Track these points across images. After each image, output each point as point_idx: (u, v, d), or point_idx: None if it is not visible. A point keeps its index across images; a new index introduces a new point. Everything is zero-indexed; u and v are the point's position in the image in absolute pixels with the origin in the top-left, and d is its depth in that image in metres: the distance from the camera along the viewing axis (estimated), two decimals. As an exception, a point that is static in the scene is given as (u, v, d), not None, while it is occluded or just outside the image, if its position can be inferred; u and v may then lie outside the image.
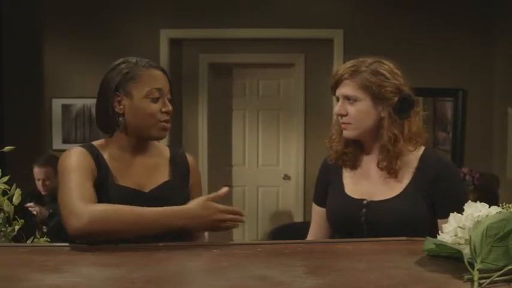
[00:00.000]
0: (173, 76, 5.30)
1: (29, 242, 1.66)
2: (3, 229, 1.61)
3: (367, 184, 1.82)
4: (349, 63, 1.80)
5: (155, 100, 1.69)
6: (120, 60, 1.74)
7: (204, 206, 1.54)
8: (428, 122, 5.26)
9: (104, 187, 1.66)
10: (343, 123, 1.79)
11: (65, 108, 4.97)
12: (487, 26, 4.84)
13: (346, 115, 1.77)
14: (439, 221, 1.72)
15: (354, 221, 1.77)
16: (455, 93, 4.90)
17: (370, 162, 1.83)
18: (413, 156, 1.79)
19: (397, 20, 4.88)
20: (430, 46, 4.84)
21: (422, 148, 1.81)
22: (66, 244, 1.46)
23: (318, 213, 1.95)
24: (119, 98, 1.70)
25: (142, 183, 1.73)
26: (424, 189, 1.75)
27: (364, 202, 1.78)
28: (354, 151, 1.84)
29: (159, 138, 1.76)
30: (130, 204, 1.51)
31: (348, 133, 1.79)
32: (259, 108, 5.23)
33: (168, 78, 1.74)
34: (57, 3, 4.94)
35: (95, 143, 1.76)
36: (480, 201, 1.27)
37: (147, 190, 1.73)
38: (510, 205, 1.21)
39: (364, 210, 1.77)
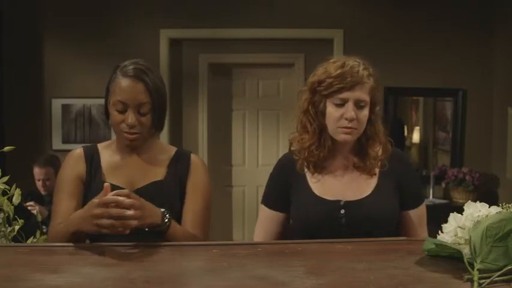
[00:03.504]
0: (173, 76, 5.33)
1: (29, 242, 1.66)
2: (3, 229, 1.61)
3: (336, 184, 1.79)
4: (361, 64, 1.74)
5: (120, 111, 1.68)
6: (124, 62, 1.75)
7: (88, 205, 1.49)
8: (429, 122, 5.27)
9: (93, 185, 1.72)
10: (350, 127, 1.71)
11: (65, 108, 4.97)
12: (487, 26, 4.84)
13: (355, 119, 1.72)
14: (411, 212, 1.80)
15: (333, 223, 1.73)
16: (455, 93, 4.90)
17: (336, 162, 1.81)
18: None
19: (397, 20, 4.87)
20: (430, 46, 4.84)
21: None
22: (66, 244, 1.46)
23: (269, 217, 1.85)
24: (109, 99, 1.74)
25: (133, 181, 1.74)
26: (392, 184, 1.78)
27: (341, 203, 1.75)
28: (326, 153, 1.80)
29: (128, 146, 1.75)
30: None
31: (350, 137, 1.74)
32: (259, 108, 5.23)
33: (148, 90, 1.68)
34: (57, 3, 4.93)
35: (102, 143, 1.83)
36: (480, 201, 1.27)
37: (135, 189, 1.73)
38: (510, 205, 1.21)
39: (342, 211, 1.74)
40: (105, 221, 1.41)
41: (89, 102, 4.89)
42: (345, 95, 1.71)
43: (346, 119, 1.71)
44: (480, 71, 4.87)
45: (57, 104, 4.96)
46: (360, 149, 1.80)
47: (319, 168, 1.80)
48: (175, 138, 4.89)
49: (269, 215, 1.86)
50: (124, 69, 1.70)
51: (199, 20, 4.88)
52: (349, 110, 1.70)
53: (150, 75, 1.70)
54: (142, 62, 1.74)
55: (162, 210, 1.57)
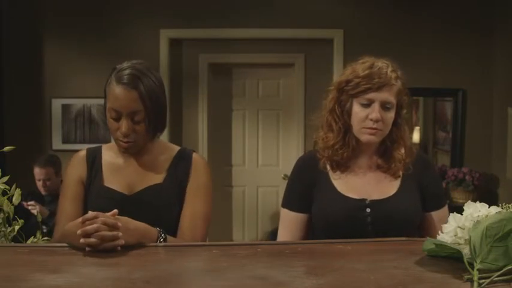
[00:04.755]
0: (173, 76, 5.33)
1: (29, 242, 1.66)
2: (3, 229, 1.61)
3: (360, 184, 1.79)
4: (389, 66, 1.76)
5: (114, 118, 1.66)
6: (121, 64, 1.71)
7: (76, 221, 1.45)
8: (428, 122, 5.27)
9: (92, 188, 1.73)
10: (375, 128, 1.73)
11: (65, 108, 4.97)
12: (487, 26, 4.84)
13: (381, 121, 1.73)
14: (433, 213, 1.81)
15: (358, 222, 1.74)
16: (455, 93, 4.90)
17: (359, 162, 1.82)
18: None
19: (397, 20, 4.87)
20: (430, 46, 4.84)
21: None
22: (66, 244, 1.46)
23: (293, 220, 1.84)
24: (106, 103, 1.72)
25: (132, 185, 1.73)
26: (415, 186, 1.80)
27: (367, 202, 1.76)
28: (350, 153, 1.81)
29: (124, 152, 1.74)
30: (115, 206, 1.48)
31: (374, 138, 1.75)
32: (259, 108, 5.22)
33: (141, 97, 1.63)
34: (57, 3, 4.93)
35: (106, 144, 1.83)
36: (480, 201, 1.27)
37: (133, 193, 1.72)
38: (510, 205, 1.21)
39: (368, 210, 1.75)
40: (92, 241, 1.37)
41: (89, 102, 4.89)
42: (371, 95, 1.72)
43: (371, 120, 1.72)
44: (480, 71, 4.87)
45: (57, 104, 4.96)
46: (385, 151, 1.81)
47: (343, 167, 1.81)
48: (175, 138, 4.89)
49: (293, 218, 1.84)
50: (119, 74, 1.65)
51: (199, 20, 4.88)
52: (375, 110, 1.72)
53: (145, 81, 1.64)
54: (140, 64, 1.69)
55: (158, 229, 1.53)
